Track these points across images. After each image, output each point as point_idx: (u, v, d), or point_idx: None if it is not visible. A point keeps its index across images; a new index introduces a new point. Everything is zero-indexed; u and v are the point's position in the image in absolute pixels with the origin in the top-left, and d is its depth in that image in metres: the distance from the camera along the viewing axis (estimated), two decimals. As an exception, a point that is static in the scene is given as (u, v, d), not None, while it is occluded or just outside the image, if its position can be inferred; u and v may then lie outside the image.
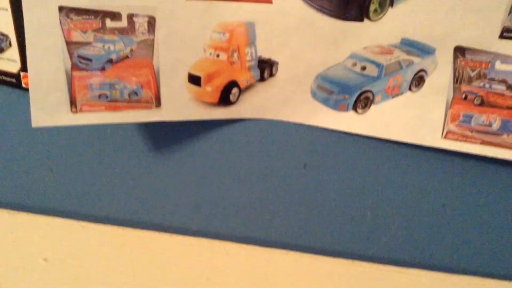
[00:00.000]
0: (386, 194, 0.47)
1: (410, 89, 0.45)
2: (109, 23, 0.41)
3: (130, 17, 0.41)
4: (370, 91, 0.45)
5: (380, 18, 0.43)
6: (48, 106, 0.42)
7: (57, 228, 0.50)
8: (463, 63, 0.43)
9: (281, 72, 0.45)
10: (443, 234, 0.47)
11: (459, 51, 0.43)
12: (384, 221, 0.48)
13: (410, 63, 0.44)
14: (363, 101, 0.45)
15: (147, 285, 0.49)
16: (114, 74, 0.43)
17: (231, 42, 0.44)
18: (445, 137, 0.45)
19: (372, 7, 0.42)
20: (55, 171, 0.50)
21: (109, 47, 0.42)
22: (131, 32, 0.42)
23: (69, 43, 0.41)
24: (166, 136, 0.48)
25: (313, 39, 0.44)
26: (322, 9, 0.43)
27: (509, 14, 0.41)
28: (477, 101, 0.44)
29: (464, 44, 0.42)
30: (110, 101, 0.43)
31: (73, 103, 0.42)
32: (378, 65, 0.44)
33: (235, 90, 0.46)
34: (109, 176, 0.49)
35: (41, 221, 0.51)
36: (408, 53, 0.44)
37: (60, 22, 0.40)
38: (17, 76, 0.47)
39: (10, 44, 0.46)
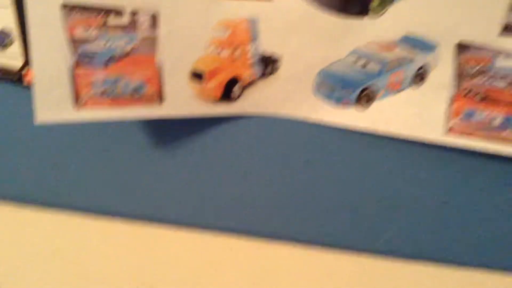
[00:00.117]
0: (388, 190, 0.47)
1: (412, 85, 0.45)
2: (112, 19, 0.41)
3: (133, 14, 0.42)
4: (372, 87, 0.45)
5: (382, 14, 0.43)
6: (52, 102, 0.42)
7: (63, 222, 0.51)
8: (464, 59, 0.43)
9: (283, 68, 0.46)
10: (445, 229, 0.47)
11: (461, 47, 0.43)
12: (386, 217, 0.48)
13: (412, 60, 0.44)
14: (365, 97, 0.45)
15: (152, 280, 0.50)
16: (117, 71, 0.43)
17: (234, 39, 0.45)
18: (447, 133, 0.45)
19: (374, 4, 0.42)
20: (58, 167, 0.50)
21: (112, 44, 0.42)
22: (134, 29, 0.42)
23: (72, 40, 0.41)
24: (169, 132, 0.48)
25: (315, 35, 0.44)
26: (324, 6, 0.43)
27: (510, 11, 0.41)
28: (478, 97, 0.44)
29: (465, 40, 0.42)
30: (113, 98, 0.43)
31: (76, 99, 0.43)
32: (380, 61, 0.44)
33: (237, 87, 0.46)
34: (112, 171, 0.50)
35: (47, 216, 0.51)
36: (410, 49, 0.44)
37: (63, 19, 0.40)
38: (20, 73, 0.47)
39: (13, 41, 0.46)
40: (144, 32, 0.42)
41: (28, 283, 0.50)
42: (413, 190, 0.47)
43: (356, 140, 0.47)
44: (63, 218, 0.51)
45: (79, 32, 0.41)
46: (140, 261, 0.50)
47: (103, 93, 0.43)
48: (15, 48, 0.46)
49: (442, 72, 0.44)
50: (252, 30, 0.44)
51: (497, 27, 0.41)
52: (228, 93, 0.46)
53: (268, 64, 0.46)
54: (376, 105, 0.46)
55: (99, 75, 0.43)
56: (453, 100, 0.44)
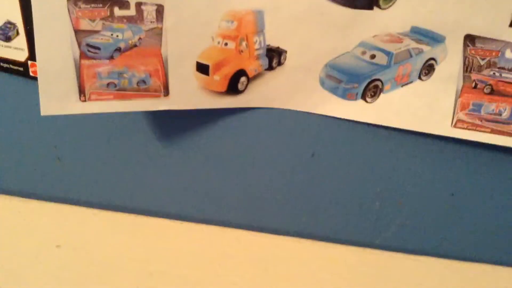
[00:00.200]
0: (395, 182, 0.47)
1: (419, 77, 0.45)
2: (117, 11, 0.41)
3: (139, 5, 0.41)
4: (380, 80, 0.45)
5: (390, 6, 0.42)
6: (57, 94, 0.42)
7: (69, 215, 0.51)
8: (473, 51, 0.43)
9: (290, 60, 0.45)
10: (451, 222, 0.47)
11: (469, 39, 0.42)
12: (392, 210, 0.48)
13: (420, 52, 0.44)
14: (372, 90, 0.45)
15: (159, 272, 0.50)
16: (123, 63, 0.43)
17: (240, 31, 0.44)
18: (454, 126, 0.45)
19: (382, -5, 0.42)
20: (63, 160, 0.50)
21: (117, 36, 0.42)
22: (140, 21, 0.42)
23: (77, 32, 0.41)
24: (174, 124, 0.48)
25: (322, 27, 0.44)
26: (331, -3, 0.43)
27: (521, 2, 0.40)
28: (487, 90, 0.43)
29: (474, 32, 0.42)
30: (119, 90, 0.43)
31: (81, 91, 0.42)
32: (387, 53, 0.44)
33: (243, 79, 0.46)
34: (117, 164, 0.50)
35: (54, 208, 0.51)
36: (418, 41, 0.44)
37: (68, 11, 0.40)
38: (25, 65, 0.47)
39: (17, 33, 0.46)
40: (150, 24, 0.42)
41: (33, 274, 0.50)
42: (419, 183, 0.47)
43: (363, 133, 0.47)
44: (68, 211, 0.51)
45: (85, 24, 0.41)
46: (148, 252, 0.50)
47: (108, 85, 0.43)
48: (21, 39, 0.46)
49: (450, 64, 0.43)
50: (258, 21, 0.44)
51: (506, 19, 0.41)
52: (234, 85, 0.46)
53: (274, 56, 0.46)
54: (383, 97, 0.45)
55: (104, 67, 0.42)
56: (461, 92, 0.44)
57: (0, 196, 0.52)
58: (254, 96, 0.47)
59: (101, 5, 0.41)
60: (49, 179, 0.50)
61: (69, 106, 0.43)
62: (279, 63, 0.46)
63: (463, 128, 0.44)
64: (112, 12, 0.41)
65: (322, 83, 0.46)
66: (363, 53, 0.44)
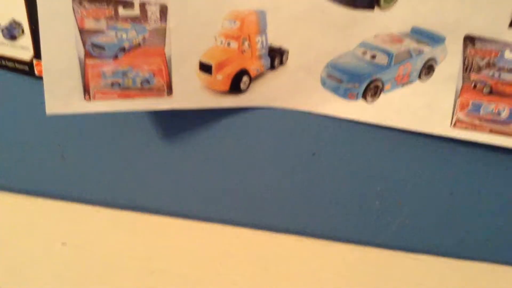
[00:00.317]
0: (395, 182, 0.48)
1: (419, 77, 0.45)
2: (121, 11, 0.41)
3: (143, 5, 0.42)
4: (380, 80, 0.45)
5: (391, 6, 0.43)
6: (62, 93, 0.42)
7: (74, 213, 0.51)
8: (472, 52, 0.43)
9: (291, 60, 0.46)
10: (451, 222, 0.48)
11: (469, 40, 0.43)
12: (392, 209, 0.48)
13: (420, 52, 0.44)
14: (372, 90, 0.46)
15: (161, 269, 0.50)
16: (127, 62, 0.43)
17: (242, 31, 0.45)
18: (454, 126, 0.45)
19: (382, -4, 0.42)
20: (67, 158, 0.50)
21: (121, 35, 0.42)
22: (144, 20, 0.42)
23: (82, 31, 0.41)
24: (177, 123, 0.48)
25: (323, 27, 0.44)
26: (333, -2, 0.43)
27: (520, 3, 0.41)
28: (486, 90, 0.44)
29: (474, 33, 0.42)
30: (123, 89, 0.44)
31: (86, 90, 0.43)
32: (388, 53, 0.44)
33: (245, 79, 0.46)
34: (121, 162, 0.50)
35: (58, 206, 0.51)
36: (418, 41, 0.44)
37: (73, 10, 0.41)
38: (30, 64, 0.47)
39: (23, 32, 0.46)
40: (154, 23, 0.42)
41: (39, 272, 0.50)
42: (419, 183, 0.47)
43: (363, 133, 0.47)
44: (72, 209, 0.51)
45: (89, 23, 0.41)
46: (151, 250, 0.50)
47: (112, 85, 0.43)
48: (26, 38, 0.46)
49: (450, 64, 0.44)
50: (260, 22, 0.45)
51: (506, 20, 0.41)
52: (236, 85, 0.46)
53: (276, 56, 0.46)
54: (383, 97, 0.46)
55: (108, 66, 0.43)
56: (460, 92, 0.44)
57: (4, 194, 0.52)
58: (256, 95, 0.47)
59: (105, 5, 0.41)
60: (53, 177, 0.51)
61: (74, 105, 0.43)
62: (281, 63, 0.46)
63: (462, 128, 0.45)
64: (116, 11, 0.41)
65: (323, 83, 0.46)
66: (364, 53, 0.45)
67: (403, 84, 0.45)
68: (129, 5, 0.41)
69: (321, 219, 0.49)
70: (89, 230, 0.51)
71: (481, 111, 0.44)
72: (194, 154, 0.49)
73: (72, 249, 0.51)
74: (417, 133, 0.46)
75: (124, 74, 0.43)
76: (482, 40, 0.42)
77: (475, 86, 0.44)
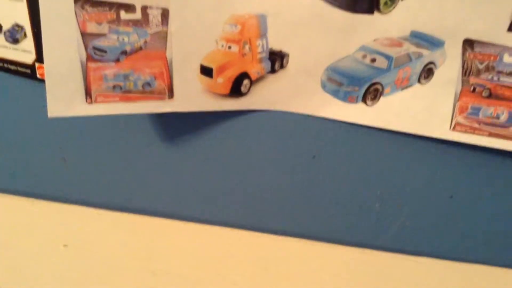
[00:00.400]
0: (394, 185, 0.48)
1: (419, 81, 0.45)
2: (123, 15, 0.42)
3: (144, 9, 0.42)
4: (380, 83, 0.45)
5: (390, 10, 0.43)
6: (64, 96, 0.42)
7: (75, 215, 0.51)
8: (471, 55, 0.43)
9: (292, 64, 0.46)
10: (450, 224, 0.48)
11: (468, 43, 0.43)
12: (392, 212, 0.48)
13: (420, 56, 0.44)
14: (372, 93, 0.46)
15: (162, 271, 0.50)
16: (128, 66, 0.43)
17: (243, 34, 0.45)
18: (453, 129, 0.45)
19: (382, 0, 0.43)
20: (69, 160, 0.50)
21: (123, 39, 0.42)
22: (145, 24, 0.42)
23: (84, 35, 0.42)
24: (178, 126, 0.48)
25: (324, 31, 0.44)
26: (333, 2, 0.43)
27: (518, 7, 0.41)
28: (485, 94, 0.44)
29: (473, 36, 0.43)
30: (124, 92, 0.44)
31: (88, 93, 0.43)
32: (387, 57, 0.45)
33: (246, 82, 0.47)
34: (122, 165, 0.50)
35: (60, 208, 0.51)
36: (418, 45, 0.44)
37: (76, 14, 0.41)
38: (32, 67, 0.47)
39: (25, 35, 0.46)
40: (155, 27, 0.43)
41: (41, 273, 0.51)
42: (419, 185, 0.47)
43: (363, 136, 0.47)
44: (73, 211, 0.51)
45: (91, 27, 0.41)
46: (152, 252, 0.50)
47: (114, 88, 0.44)
48: (28, 42, 0.46)
49: (450, 68, 0.44)
50: (261, 25, 0.45)
51: (505, 24, 0.41)
52: (237, 88, 0.46)
53: (276, 59, 0.46)
54: (383, 101, 0.46)
55: (110, 69, 0.43)
56: (459, 96, 0.44)
57: (6, 196, 0.52)
58: (257, 98, 0.47)
59: (107, 9, 0.41)
60: (55, 180, 0.51)
61: (76, 108, 0.43)
62: (282, 66, 0.46)
63: (462, 131, 0.45)
64: (118, 15, 0.42)
65: (323, 86, 0.46)
66: (364, 56, 0.45)
67: (402, 88, 0.46)
68: (131, 9, 0.42)
69: (321, 221, 0.49)
70: (90, 232, 0.51)
71: (480, 115, 0.44)
72: (195, 157, 0.49)
73: (74, 251, 0.51)
74: (416, 136, 0.46)
75: (126, 77, 0.43)
76: (481, 44, 0.43)
77: (474, 90, 0.44)
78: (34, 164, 0.51)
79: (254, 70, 0.47)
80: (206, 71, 0.45)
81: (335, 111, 0.47)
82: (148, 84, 0.44)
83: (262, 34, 0.45)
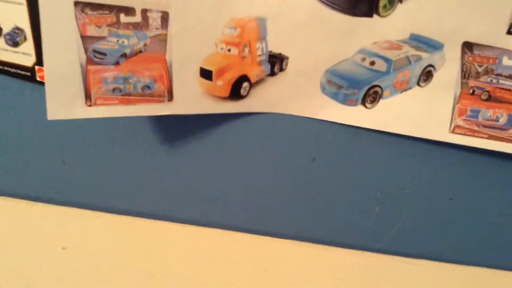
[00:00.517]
0: (394, 187, 0.48)
1: (418, 84, 0.45)
2: (123, 18, 0.42)
3: (144, 12, 0.42)
4: (379, 86, 0.45)
5: (389, 14, 0.43)
6: (64, 99, 0.42)
7: (74, 218, 0.51)
8: (470, 58, 0.43)
9: (291, 66, 0.46)
10: (450, 227, 0.48)
11: (467, 46, 0.43)
12: (392, 214, 0.48)
13: (419, 58, 0.45)
14: (372, 96, 0.46)
15: (161, 273, 0.50)
16: (128, 68, 0.43)
17: (243, 37, 0.45)
18: (452, 132, 0.45)
19: (381, 3, 0.43)
20: (68, 163, 0.50)
21: (123, 42, 0.42)
22: (145, 27, 0.42)
23: (84, 38, 0.42)
24: (178, 129, 0.49)
25: (323, 34, 0.44)
26: (332, 5, 0.43)
27: (517, 10, 0.41)
28: (484, 96, 0.44)
29: (472, 39, 0.43)
30: (124, 95, 0.44)
31: (87, 96, 0.43)
32: (387, 60, 0.45)
33: (245, 84, 0.47)
34: (122, 167, 0.50)
35: (59, 211, 0.51)
36: (417, 48, 0.44)
37: (76, 17, 0.41)
38: (32, 70, 0.47)
39: (25, 38, 0.46)
40: (155, 30, 0.43)
41: (39, 276, 0.51)
42: (418, 188, 0.48)
43: (363, 138, 0.47)
44: (73, 214, 0.51)
45: (91, 30, 0.41)
46: (152, 255, 0.51)
47: (113, 91, 0.44)
48: (28, 45, 0.46)
49: (449, 71, 0.44)
50: (261, 28, 0.45)
51: (503, 27, 0.42)
52: (236, 90, 0.46)
53: (276, 62, 0.46)
54: (382, 103, 0.46)
55: (110, 72, 0.43)
56: (459, 98, 0.44)
57: (6, 199, 0.52)
58: (256, 101, 0.47)
59: (107, 12, 0.41)
60: (54, 182, 0.51)
61: (75, 111, 0.43)
62: (281, 69, 0.46)
63: (461, 134, 0.45)
64: (118, 18, 0.42)
65: (323, 89, 0.46)
66: (363, 59, 0.45)
67: (402, 90, 0.46)
68: (130, 12, 0.42)
69: (321, 224, 0.49)
70: (89, 235, 0.51)
71: (480, 117, 0.44)
72: (194, 160, 0.49)
73: (73, 254, 0.51)
74: (416, 138, 0.46)
75: (125, 80, 0.43)
76: (480, 46, 0.43)
77: (473, 92, 0.44)
78: (34, 167, 0.51)
79: (253, 73, 0.47)
80: (206, 74, 0.45)
81: (335, 114, 0.47)
82: (148, 86, 0.44)
83: (262, 37, 0.45)
